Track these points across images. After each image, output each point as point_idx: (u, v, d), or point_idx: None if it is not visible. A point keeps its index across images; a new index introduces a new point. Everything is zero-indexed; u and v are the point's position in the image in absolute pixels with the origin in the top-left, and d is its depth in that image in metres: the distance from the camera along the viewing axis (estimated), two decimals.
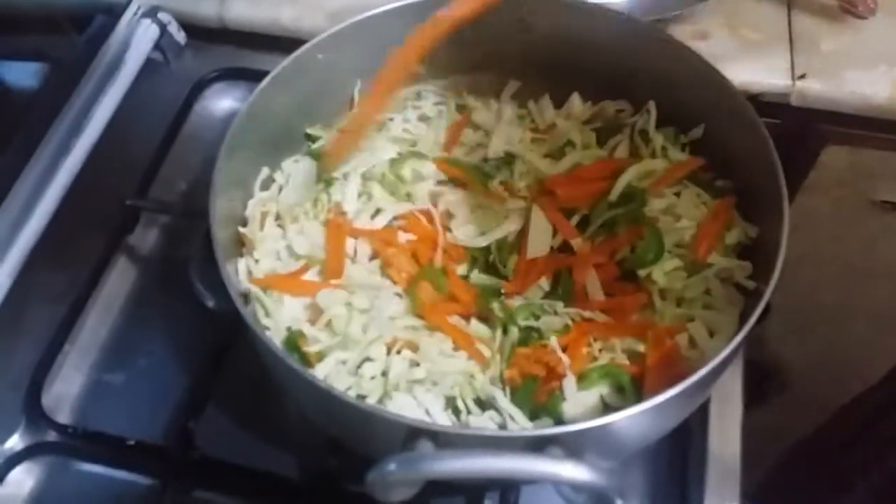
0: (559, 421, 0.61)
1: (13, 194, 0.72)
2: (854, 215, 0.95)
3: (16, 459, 0.70)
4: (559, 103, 0.79)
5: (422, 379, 0.62)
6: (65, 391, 0.75)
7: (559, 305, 0.67)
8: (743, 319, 0.63)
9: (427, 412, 0.61)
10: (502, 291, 0.69)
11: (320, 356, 0.63)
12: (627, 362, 0.64)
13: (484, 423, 0.61)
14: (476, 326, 0.67)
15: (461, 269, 0.70)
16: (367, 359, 0.63)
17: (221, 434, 0.71)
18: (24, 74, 0.82)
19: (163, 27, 0.88)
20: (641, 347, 0.64)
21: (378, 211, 0.72)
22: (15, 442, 0.72)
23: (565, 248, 0.70)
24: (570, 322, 0.66)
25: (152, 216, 0.84)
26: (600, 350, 0.65)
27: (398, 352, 0.63)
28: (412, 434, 0.52)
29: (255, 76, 0.72)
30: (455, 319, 0.66)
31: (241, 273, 0.68)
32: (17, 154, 0.73)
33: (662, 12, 0.85)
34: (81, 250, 0.79)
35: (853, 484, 0.88)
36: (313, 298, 0.66)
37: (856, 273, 1.02)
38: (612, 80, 0.77)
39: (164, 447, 0.70)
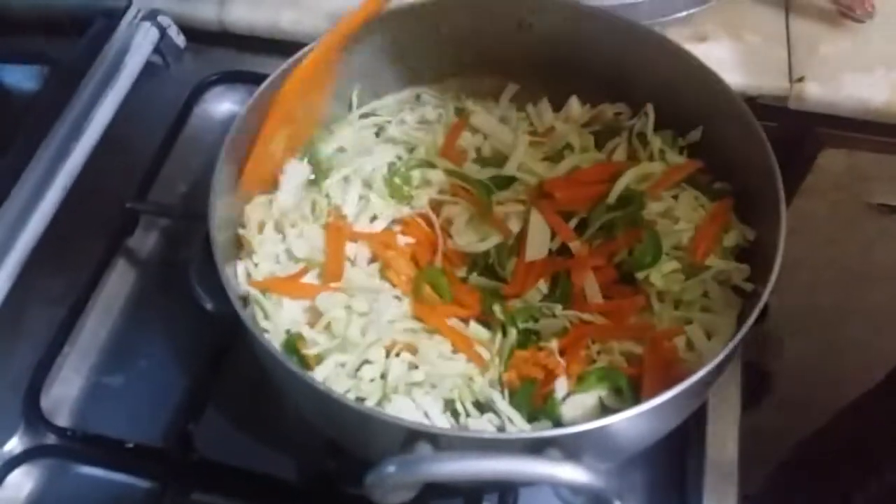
0: (557, 423, 0.61)
1: (13, 197, 0.72)
2: (851, 218, 0.95)
3: (15, 462, 0.70)
4: (558, 106, 0.80)
5: (420, 382, 0.62)
6: (64, 394, 0.75)
7: (558, 308, 0.67)
8: (741, 322, 0.63)
9: (426, 415, 0.61)
10: (501, 294, 0.69)
11: (319, 359, 0.63)
12: (625, 364, 0.64)
13: (482, 425, 0.61)
14: (475, 329, 0.67)
15: (460, 273, 0.70)
16: (366, 361, 0.63)
17: (220, 436, 0.71)
18: (23, 77, 0.82)
19: (162, 30, 0.88)
20: (639, 350, 0.64)
21: (376, 215, 0.72)
22: (14, 445, 0.72)
23: (564, 250, 0.70)
24: (568, 325, 0.66)
25: (152, 219, 0.84)
26: (598, 352, 0.65)
27: (397, 354, 0.63)
28: (411, 436, 0.52)
29: (255, 79, 0.72)
30: (454, 322, 0.67)
31: (240, 276, 0.68)
32: (17, 157, 0.73)
33: (661, 15, 0.85)
34: (81, 253, 0.79)
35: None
36: (313, 301, 0.66)
37: (853, 276, 1.02)
38: (610, 83, 0.77)
39: (164, 450, 0.70)
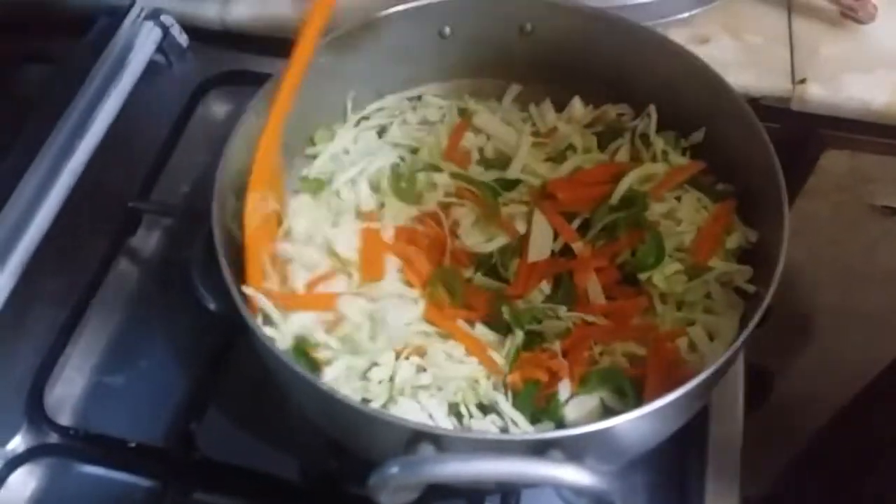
0: (560, 425, 0.61)
1: (16, 196, 0.72)
2: (853, 220, 0.95)
3: (17, 461, 0.70)
4: (560, 107, 0.80)
5: (427, 384, 0.62)
6: (66, 393, 0.75)
7: (562, 310, 0.67)
8: (743, 323, 0.63)
9: (430, 417, 0.61)
10: (505, 295, 0.69)
11: (328, 361, 0.63)
12: (628, 366, 0.64)
13: (486, 426, 0.61)
14: (481, 331, 0.67)
15: (467, 273, 0.70)
16: (375, 364, 0.63)
17: (222, 436, 0.71)
18: (26, 76, 0.82)
19: (165, 30, 0.89)
20: (641, 351, 0.64)
21: (390, 216, 0.72)
22: (17, 444, 0.72)
23: (566, 251, 0.70)
24: (571, 326, 0.66)
25: (154, 218, 0.84)
26: (600, 354, 0.65)
27: (406, 357, 0.63)
28: (414, 437, 0.53)
29: (258, 79, 0.72)
30: (460, 323, 0.67)
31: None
32: (20, 156, 0.73)
33: (663, 17, 0.85)
34: (84, 252, 0.79)
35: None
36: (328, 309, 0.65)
37: (855, 277, 1.02)
38: (613, 84, 0.77)
39: (166, 449, 0.70)
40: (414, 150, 0.77)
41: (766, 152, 0.65)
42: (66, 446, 0.71)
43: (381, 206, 0.73)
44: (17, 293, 0.69)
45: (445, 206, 0.72)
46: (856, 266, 1.00)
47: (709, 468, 0.66)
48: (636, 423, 0.54)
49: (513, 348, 0.65)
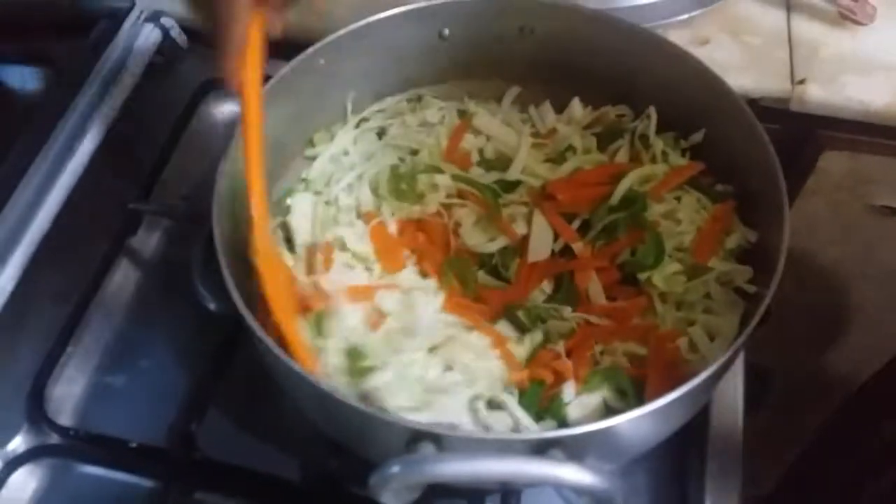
0: (563, 424, 0.61)
1: (16, 197, 0.72)
2: (853, 220, 0.95)
3: (18, 462, 0.70)
4: (560, 108, 0.80)
5: (457, 382, 0.62)
6: (67, 393, 0.75)
7: (567, 310, 0.67)
8: (743, 323, 0.63)
9: (454, 415, 0.61)
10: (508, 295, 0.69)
11: (376, 367, 0.62)
12: (628, 365, 0.64)
13: (501, 421, 0.61)
14: (503, 327, 0.66)
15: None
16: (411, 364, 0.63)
17: (223, 436, 0.71)
18: (27, 78, 0.83)
19: (165, 32, 0.89)
20: (642, 351, 0.64)
21: (392, 212, 0.73)
22: (17, 444, 0.72)
23: (567, 252, 0.70)
24: (575, 326, 0.66)
25: (155, 219, 0.84)
26: (601, 353, 0.65)
27: (435, 356, 0.63)
28: (414, 437, 0.53)
29: None
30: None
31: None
32: (21, 157, 0.73)
33: (662, 18, 0.85)
34: (84, 253, 0.79)
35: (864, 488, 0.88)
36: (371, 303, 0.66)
37: (854, 277, 1.02)
38: (612, 86, 0.78)
39: (166, 449, 0.70)
40: (414, 152, 0.77)
41: (766, 153, 0.65)
42: (66, 446, 0.71)
43: (380, 208, 0.73)
44: (17, 293, 0.70)
45: (447, 207, 0.73)
46: (855, 266, 1.00)
47: (709, 467, 0.66)
48: (637, 423, 0.54)
49: (532, 346, 0.65)
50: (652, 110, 0.75)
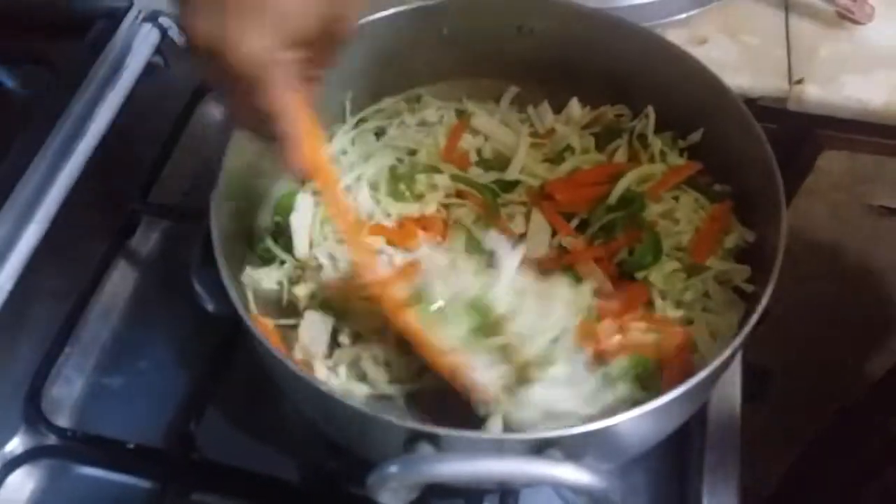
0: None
1: (14, 198, 0.72)
2: (851, 220, 0.95)
3: (15, 463, 0.70)
4: (558, 108, 0.80)
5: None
6: (65, 394, 0.75)
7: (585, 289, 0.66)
8: (742, 322, 0.63)
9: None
10: None
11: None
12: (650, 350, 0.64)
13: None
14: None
15: None
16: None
17: (221, 437, 0.71)
18: (25, 78, 0.82)
19: (164, 31, 0.88)
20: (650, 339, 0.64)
21: (390, 213, 0.73)
22: (15, 445, 0.72)
23: (565, 253, 0.70)
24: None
25: (153, 220, 0.84)
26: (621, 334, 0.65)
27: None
28: (412, 437, 0.53)
29: None
30: None
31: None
32: (19, 158, 0.73)
33: (660, 18, 0.85)
34: (82, 254, 0.79)
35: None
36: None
37: (853, 276, 1.02)
38: (610, 85, 0.78)
39: (164, 450, 0.70)
40: (412, 152, 0.77)
41: (764, 152, 0.65)
42: (64, 448, 0.71)
43: (381, 206, 0.74)
44: (15, 294, 0.69)
45: (446, 207, 0.73)
46: (853, 265, 1.01)
47: (707, 466, 0.66)
48: (635, 422, 0.54)
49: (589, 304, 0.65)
50: (650, 110, 0.76)
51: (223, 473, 0.69)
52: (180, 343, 0.77)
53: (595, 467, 0.49)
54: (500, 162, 0.76)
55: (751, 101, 0.83)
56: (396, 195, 0.74)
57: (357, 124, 0.79)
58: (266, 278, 0.71)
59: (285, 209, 0.73)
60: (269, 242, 0.72)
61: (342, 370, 0.66)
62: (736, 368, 0.71)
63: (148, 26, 0.88)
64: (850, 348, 1.12)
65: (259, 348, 0.58)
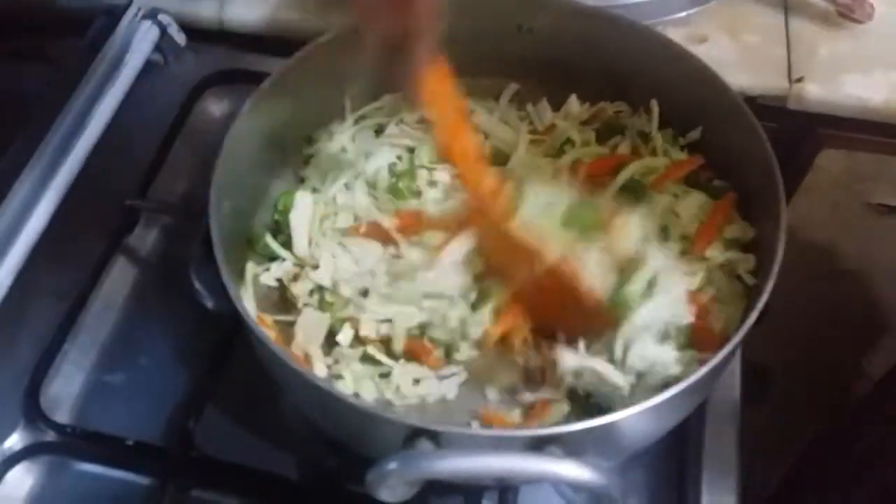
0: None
1: (13, 195, 0.72)
2: (850, 218, 0.95)
3: (14, 459, 0.70)
4: (557, 106, 0.80)
5: None
6: (64, 391, 0.74)
7: None
8: (742, 317, 0.63)
9: None
10: None
11: None
12: None
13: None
14: None
15: None
16: None
17: (221, 434, 0.71)
18: (24, 75, 0.82)
19: (163, 29, 0.89)
20: None
21: (389, 212, 0.73)
22: (14, 441, 0.71)
23: None
24: None
25: (152, 216, 0.84)
26: None
27: None
28: (412, 434, 0.53)
29: (256, 77, 0.72)
30: None
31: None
32: (18, 155, 0.73)
33: (660, 16, 0.85)
34: (81, 250, 0.79)
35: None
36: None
37: (851, 275, 1.02)
38: (610, 84, 0.78)
39: (164, 447, 0.70)
40: (411, 150, 0.77)
41: (764, 151, 0.65)
42: (63, 444, 0.71)
43: (380, 203, 0.74)
44: (14, 291, 0.69)
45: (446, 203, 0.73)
46: (852, 264, 1.01)
47: (706, 464, 0.66)
48: (634, 419, 0.54)
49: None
50: (654, 104, 0.76)
51: (222, 470, 0.69)
52: (179, 340, 0.77)
53: (595, 464, 0.49)
54: (499, 159, 0.76)
55: (751, 100, 0.83)
56: (396, 192, 0.73)
57: (356, 122, 0.79)
58: (265, 276, 0.71)
59: (285, 207, 0.73)
60: (269, 240, 0.72)
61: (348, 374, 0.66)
62: (735, 367, 0.71)
63: (147, 23, 0.88)
64: (850, 348, 1.12)
65: (258, 345, 0.58)
